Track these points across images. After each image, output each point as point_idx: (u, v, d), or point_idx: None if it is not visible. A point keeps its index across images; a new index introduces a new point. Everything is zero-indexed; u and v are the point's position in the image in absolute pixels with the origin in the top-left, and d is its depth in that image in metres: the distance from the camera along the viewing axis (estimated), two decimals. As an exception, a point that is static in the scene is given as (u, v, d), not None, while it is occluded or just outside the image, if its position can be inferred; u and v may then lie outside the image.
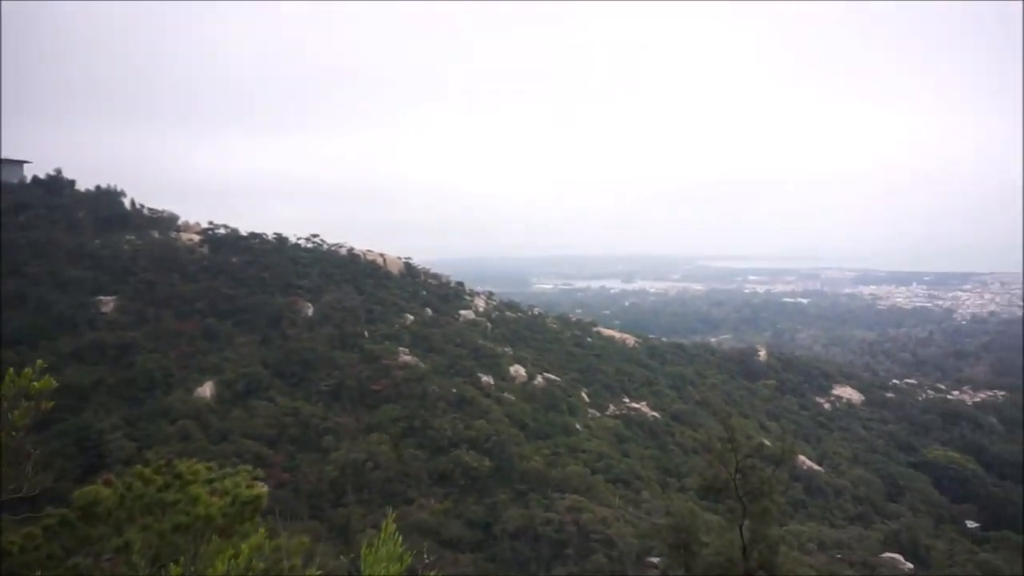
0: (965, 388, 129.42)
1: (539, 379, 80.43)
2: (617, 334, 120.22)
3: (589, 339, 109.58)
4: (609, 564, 42.34)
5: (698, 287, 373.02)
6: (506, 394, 72.93)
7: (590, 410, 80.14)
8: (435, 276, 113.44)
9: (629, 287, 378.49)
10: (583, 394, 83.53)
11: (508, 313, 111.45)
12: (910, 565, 51.96)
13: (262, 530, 6.98)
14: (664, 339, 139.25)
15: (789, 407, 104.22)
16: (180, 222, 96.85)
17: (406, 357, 72.39)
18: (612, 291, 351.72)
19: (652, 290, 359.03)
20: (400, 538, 5.68)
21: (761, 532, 23.84)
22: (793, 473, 68.77)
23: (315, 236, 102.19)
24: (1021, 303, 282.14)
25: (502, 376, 78.07)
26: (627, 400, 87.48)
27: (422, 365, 71.60)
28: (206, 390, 58.35)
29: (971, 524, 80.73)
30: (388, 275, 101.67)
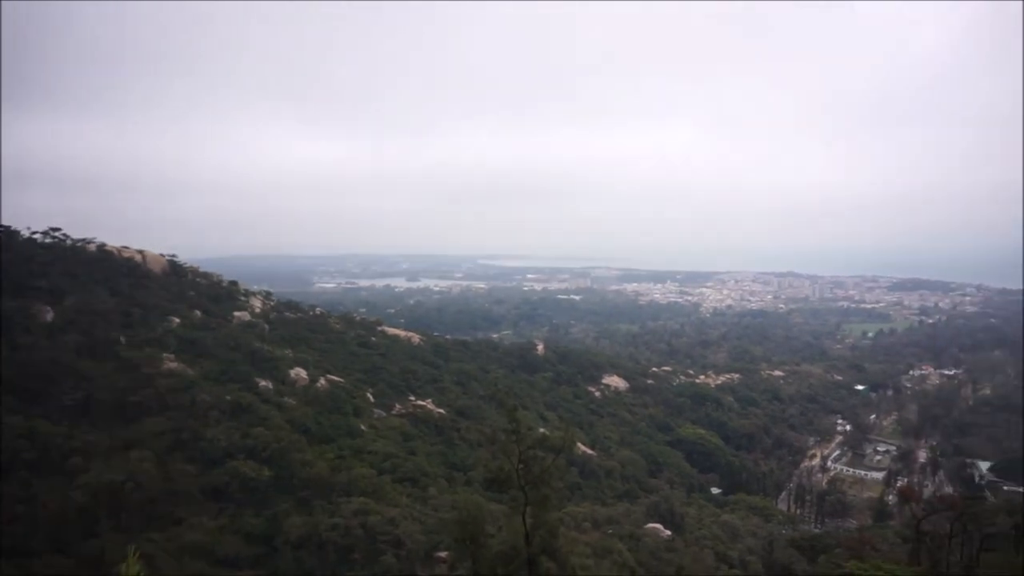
0: (709, 372, 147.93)
1: (322, 381, 77.74)
2: (402, 332, 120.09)
3: (374, 338, 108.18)
4: (398, 564, 42.09)
5: (480, 285, 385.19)
6: (287, 399, 69.47)
7: (376, 410, 79.14)
8: (205, 275, 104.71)
9: (414, 285, 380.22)
10: (368, 394, 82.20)
11: (288, 314, 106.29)
12: (669, 532, 58.08)
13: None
14: (448, 336, 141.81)
15: (565, 397, 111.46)
16: None
17: (172, 364, 65.91)
18: (397, 290, 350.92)
19: (436, 288, 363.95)
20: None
21: (542, 518, 25.09)
22: (570, 459, 73.74)
23: (56, 230, 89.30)
24: (751, 298, 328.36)
25: (282, 380, 74.30)
26: (413, 398, 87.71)
27: (191, 372, 65.70)
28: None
29: (715, 490, 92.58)
30: (149, 274, 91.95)
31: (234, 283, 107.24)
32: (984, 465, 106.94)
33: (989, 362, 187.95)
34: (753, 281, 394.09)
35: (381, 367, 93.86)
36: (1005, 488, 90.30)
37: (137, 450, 49.90)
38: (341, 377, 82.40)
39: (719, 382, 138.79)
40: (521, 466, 23.50)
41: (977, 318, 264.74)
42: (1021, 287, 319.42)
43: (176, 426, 55.48)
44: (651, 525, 59.14)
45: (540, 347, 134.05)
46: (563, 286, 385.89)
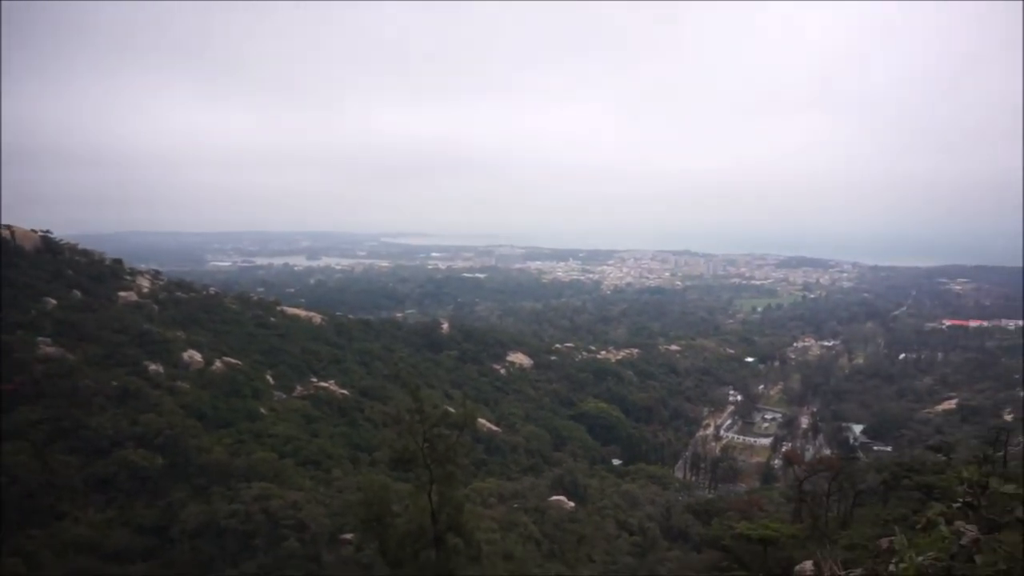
0: (610, 348, 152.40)
1: (218, 364, 74.56)
2: (303, 312, 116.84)
3: (273, 319, 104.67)
4: (302, 548, 41.31)
5: (384, 264, 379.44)
6: (179, 383, 66.21)
7: (276, 393, 76.85)
8: (84, 253, 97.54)
9: (315, 264, 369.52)
10: (268, 376, 79.67)
11: (179, 294, 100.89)
12: (572, 503, 59.84)
13: None
14: (351, 316, 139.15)
15: (470, 375, 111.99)
16: None
17: (49, 349, 61.31)
18: (297, 268, 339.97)
19: (338, 267, 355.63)
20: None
21: (448, 495, 25.26)
22: (475, 436, 74.40)
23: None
24: (650, 275, 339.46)
25: (174, 363, 70.68)
26: (315, 379, 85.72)
27: (71, 357, 61.35)
28: None
29: (616, 461, 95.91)
30: (19, 251, 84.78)
31: (118, 261, 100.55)
32: (857, 428, 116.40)
33: (862, 333, 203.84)
34: (652, 259, 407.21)
35: (281, 348, 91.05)
36: (875, 448, 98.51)
37: (10, 442, 46.31)
38: (239, 359, 79.25)
39: (619, 357, 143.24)
40: (426, 445, 23.51)
41: (852, 293, 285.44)
42: (889, 264, 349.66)
43: (56, 415, 51.74)
44: (555, 497, 60.70)
45: (445, 326, 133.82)
46: (468, 264, 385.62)
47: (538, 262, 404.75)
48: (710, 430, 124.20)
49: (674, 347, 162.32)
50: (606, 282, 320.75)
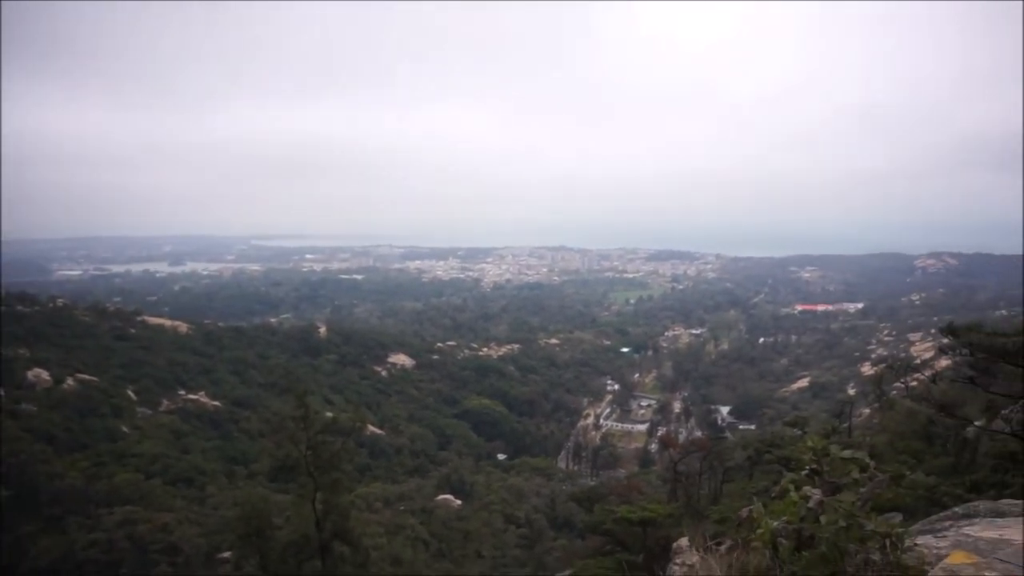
0: (492, 344, 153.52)
1: (70, 382, 68.63)
2: (168, 322, 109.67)
3: (133, 330, 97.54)
4: (175, 572, 38.81)
5: (255, 267, 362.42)
6: (24, 405, 60.36)
7: (140, 409, 71.90)
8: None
9: (179, 270, 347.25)
10: (130, 392, 74.24)
11: (20, 307, 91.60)
12: (459, 501, 59.95)
13: None
14: (221, 324, 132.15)
15: (351, 378, 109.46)
16: None
17: None
18: (159, 275, 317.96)
19: (205, 272, 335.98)
20: None
21: (333, 502, 24.60)
22: (359, 440, 72.75)
23: None
24: (528, 271, 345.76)
25: (17, 384, 64.42)
26: (183, 392, 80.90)
27: None
28: None
29: (501, 456, 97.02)
30: None
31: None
32: (725, 409, 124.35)
33: (726, 320, 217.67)
34: (529, 255, 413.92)
35: (144, 361, 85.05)
36: (740, 427, 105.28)
37: None
38: (95, 375, 73.32)
39: (501, 353, 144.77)
40: (310, 452, 22.82)
41: (716, 283, 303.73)
42: (748, 255, 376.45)
43: None
44: (442, 497, 60.64)
45: (323, 329, 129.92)
46: (345, 266, 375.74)
47: (418, 261, 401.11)
48: (590, 419, 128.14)
49: (554, 341, 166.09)
50: (486, 279, 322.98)
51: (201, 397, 79.70)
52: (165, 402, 76.49)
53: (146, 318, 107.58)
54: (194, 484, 56.44)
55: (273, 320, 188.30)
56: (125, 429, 64.06)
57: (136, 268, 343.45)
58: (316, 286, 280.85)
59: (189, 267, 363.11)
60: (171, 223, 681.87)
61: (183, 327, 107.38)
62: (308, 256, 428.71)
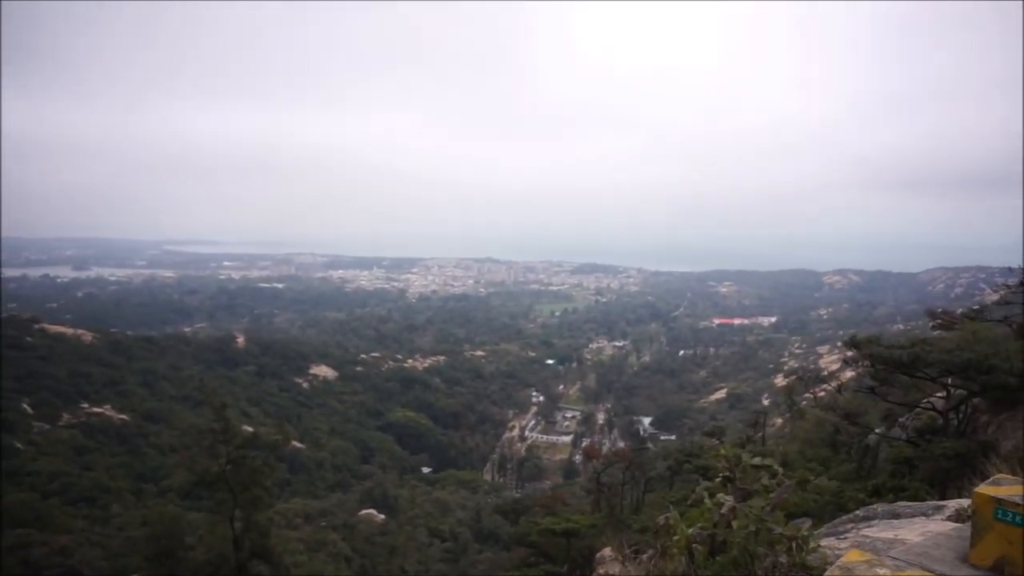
0: (417, 356, 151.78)
1: (-42, 394, 63.48)
2: (69, 330, 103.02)
3: (30, 339, 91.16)
4: (73, 599, 36.17)
5: (168, 274, 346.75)
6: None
7: (36, 423, 67.16)
8: None
9: (82, 275, 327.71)
10: (25, 406, 69.27)
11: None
12: (383, 516, 58.58)
13: None
14: (130, 332, 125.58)
15: (270, 390, 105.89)
16: None
17: None
18: (60, 280, 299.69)
19: (113, 278, 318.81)
20: None
21: (253, 519, 23.40)
22: (278, 454, 70.22)
23: None
24: (454, 283, 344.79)
25: None
26: (87, 405, 76.19)
27: None
28: None
29: (426, 469, 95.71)
30: None
31: None
32: (646, 420, 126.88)
33: (647, 333, 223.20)
34: (455, 267, 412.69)
35: (42, 372, 79.61)
36: (661, 438, 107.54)
37: None
38: (-16, 388, 68.10)
39: (426, 365, 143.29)
40: (230, 467, 21.67)
41: (638, 296, 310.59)
42: (668, 269, 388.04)
43: None
44: (365, 511, 59.21)
45: (240, 339, 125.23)
46: (265, 274, 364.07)
47: (341, 271, 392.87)
48: (515, 431, 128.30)
49: (479, 352, 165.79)
50: (411, 290, 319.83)
51: (107, 411, 75.27)
52: (65, 416, 71.78)
53: (45, 326, 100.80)
54: (97, 503, 53.09)
55: (187, 329, 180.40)
56: (19, 445, 59.68)
57: (34, 272, 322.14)
58: (234, 294, 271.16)
59: (95, 272, 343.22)
60: (72, 224, 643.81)
61: (87, 336, 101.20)
62: (226, 263, 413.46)
